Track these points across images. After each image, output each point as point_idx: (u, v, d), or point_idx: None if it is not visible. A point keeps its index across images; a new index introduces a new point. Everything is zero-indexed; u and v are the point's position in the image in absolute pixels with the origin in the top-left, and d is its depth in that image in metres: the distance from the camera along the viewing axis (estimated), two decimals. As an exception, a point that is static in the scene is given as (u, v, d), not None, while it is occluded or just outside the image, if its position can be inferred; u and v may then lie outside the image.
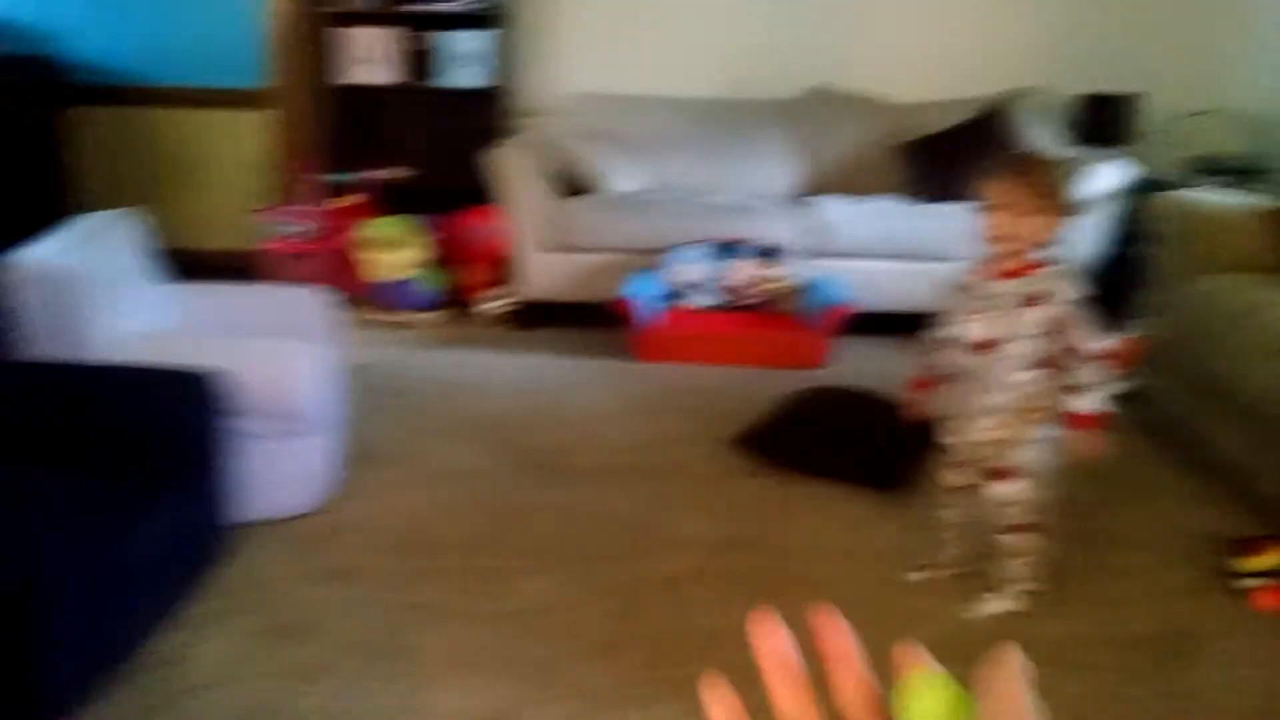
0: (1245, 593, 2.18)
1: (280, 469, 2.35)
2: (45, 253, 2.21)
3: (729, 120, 4.47)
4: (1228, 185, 3.90)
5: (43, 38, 4.74)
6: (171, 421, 1.95)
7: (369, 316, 4.17)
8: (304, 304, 2.84)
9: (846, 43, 4.70)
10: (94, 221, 2.48)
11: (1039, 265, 1.90)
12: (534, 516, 2.50)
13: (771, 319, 3.86)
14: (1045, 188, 1.88)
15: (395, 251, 3.99)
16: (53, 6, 4.74)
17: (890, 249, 3.99)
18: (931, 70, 4.69)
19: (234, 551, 2.20)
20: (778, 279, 3.91)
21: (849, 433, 2.78)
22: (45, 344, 2.17)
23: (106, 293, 2.29)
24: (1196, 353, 2.85)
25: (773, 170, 4.46)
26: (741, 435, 2.87)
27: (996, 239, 1.89)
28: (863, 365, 3.74)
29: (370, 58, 4.60)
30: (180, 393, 1.95)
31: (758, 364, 3.64)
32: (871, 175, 4.43)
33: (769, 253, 3.92)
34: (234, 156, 4.84)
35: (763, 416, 2.94)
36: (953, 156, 4.28)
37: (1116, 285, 3.92)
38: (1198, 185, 3.84)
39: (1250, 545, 2.24)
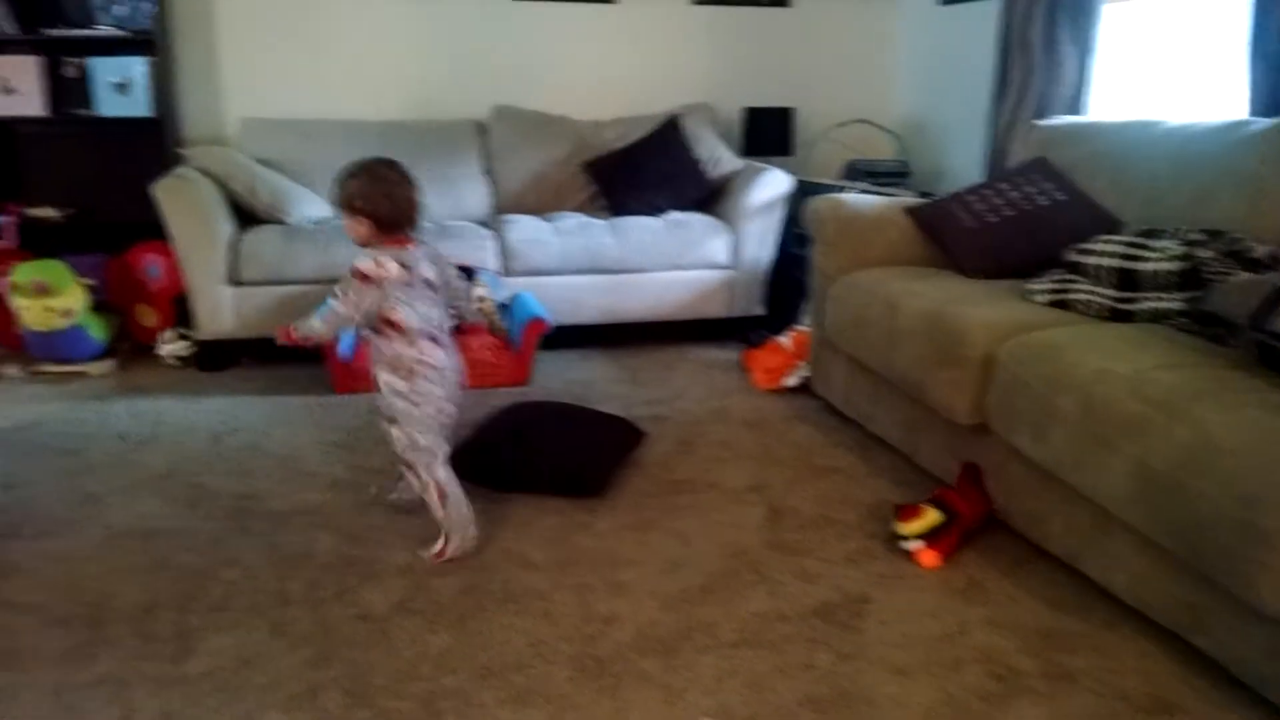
0: (910, 554, 2.41)
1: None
2: None
3: (413, 142, 4.42)
4: (875, 187, 4.32)
5: None
6: None
7: (28, 371, 3.78)
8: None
9: (526, 65, 4.79)
10: None
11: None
12: (223, 568, 2.34)
13: (473, 338, 3.84)
14: (348, 195, 2.33)
15: (51, 298, 3.63)
16: None
17: (581, 264, 4.08)
18: (608, 90, 4.88)
19: None
20: (479, 299, 3.89)
21: (551, 445, 2.82)
22: None
23: None
24: (853, 342, 3.12)
25: (462, 192, 4.46)
26: (450, 457, 2.84)
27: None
28: (564, 379, 3.81)
29: (9, 87, 4.17)
30: None
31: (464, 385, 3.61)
32: (561, 193, 4.53)
33: (465, 273, 3.90)
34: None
35: (465, 438, 2.92)
36: (634, 171, 4.46)
37: (788, 284, 4.25)
38: (849, 188, 4.22)
39: (909, 510, 2.48)
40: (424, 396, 2.41)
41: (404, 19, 4.65)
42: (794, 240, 4.25)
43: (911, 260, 3.29)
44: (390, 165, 2.41)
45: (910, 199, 3.56)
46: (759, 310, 4.34)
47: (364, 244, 2.38)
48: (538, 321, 3.69)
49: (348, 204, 2.35)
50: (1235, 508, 1.73)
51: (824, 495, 2.78)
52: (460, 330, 3.81)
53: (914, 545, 2.41)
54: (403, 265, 2.33)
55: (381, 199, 2.33)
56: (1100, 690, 1.90)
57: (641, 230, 4.18)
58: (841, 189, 4.12)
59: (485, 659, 1.98)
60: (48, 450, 3.06)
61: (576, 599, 2.22)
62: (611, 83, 4.90)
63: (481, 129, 4.63)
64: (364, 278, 2.31)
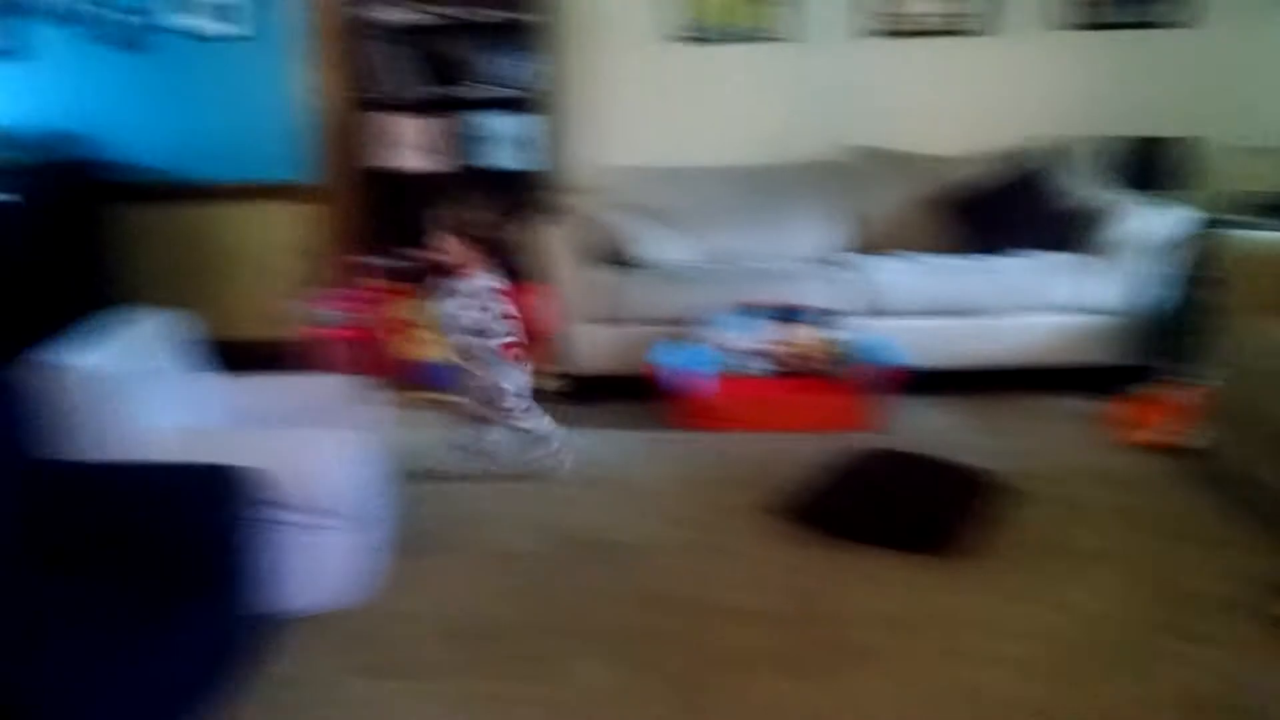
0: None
1: (320, 561, 2.34)
2: (81, 352, 2.25)
3: (769, 185, 4.48)
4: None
5: (86, 141, 4.90)
6: (205, 520, 1.94)
7: (413, 399, 4.19)
8: (343, 391, 2.85)
9: (886, 103, 4.70)
10: (131, 319, 2.53)
11: None
12: (587, 596, 2.45)
13: (822, 383, 3.80)
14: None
15: (435, 332, 4.01)
16: (94, 110, 4.92)
17: (939, 306, 3.92)
18: (973, 125, 4.66)
19: (273, 652, 2.18)
20: (827, 342, 3.85)
21: (897, 496, 2.71)
22: (79, 444, 2.19)
23: (141, 390, 2.32)
24: (1262, 399, 2.73)
25: (816, 232, 4.45)
26: (791, 504, 2.81)
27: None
28: (916, 426, 3.66)
29: (413, 144, 4.69)
30: (213, 490, 1.95)
31: (810, 429, 3.58)
32: (916, 232, 4.39)
33: (817, 316, 3.87)
34: (274, 246, 4.93)
35: (811, 484, 2.88)
36: (999, 208, 4.23)
37: (1176, 330, 3.81)
38: (1258, 225, 3.73)
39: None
40: None
41: (763, 65, 4.72)
42: (1186, 282, 3.81)
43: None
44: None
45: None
46: (1138, 359, 3.92)
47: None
48: (892, 366, 3.57)
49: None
50: None
51: (1220, 571, 2.45)
52: (811, 374, 3.80)
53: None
54: None
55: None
56: None
57: (1006, 270, 3.94)
58: (1250, 226, 3.64)
59: (843, 718, 1.92)
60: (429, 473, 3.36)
61: (939, 663, 2.10)
62: (976, 117, 4.68)
63: (839, 169, 4.59)
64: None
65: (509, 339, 3.23)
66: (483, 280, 3.18)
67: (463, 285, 3.16)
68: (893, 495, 2.71)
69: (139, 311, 2.59)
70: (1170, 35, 4.56)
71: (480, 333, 3.19)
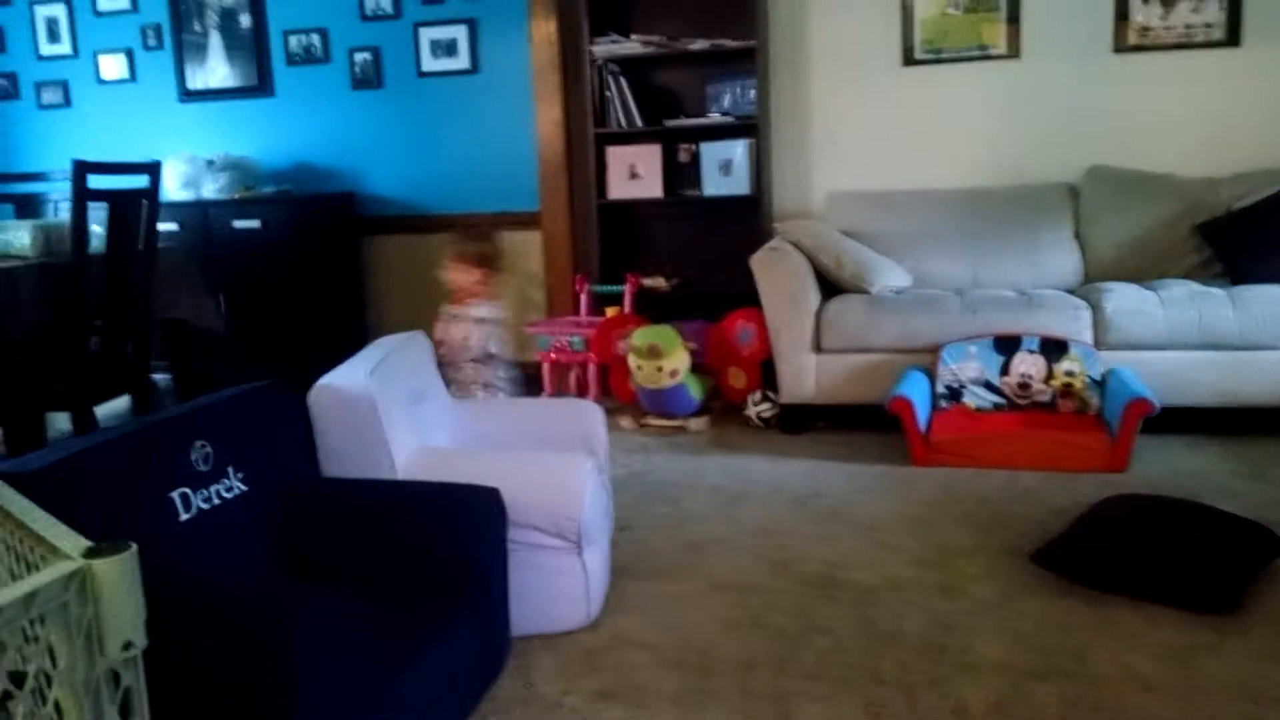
0: None
1: (557, 583, 2.36)
2: (345, 375, 2.37)
3: (996, 209, 4.30)
4: None
5: (346, 176, 5.27)
6: (462, 539, 1.99)
7: (638, 423, 4.22)
8: (582, 415, 2.89)
9: (1123, 121, 4.42)
10: (390, 343, 2.64)
11: None
12: (813, 634, 2.36)
13: (1062, 418, 3.57)
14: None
15: (660, 359, 4.03)
16: (353, 149, 5.27)
17: (1192, 338, 3.61)
18: (1225, 143, 4.31)
19: (511, 671, 2.21)
20: (1067, 374, 3.63)
21: (1167, 545, 2.48)
22: (343, 463, 2.30)
23: (401, 412, 2.41)
24: None
25: (1050, 259, 4.22)
26: (1041, 548, 2.63)
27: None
28: (1166, 467, 3.38)
29: (634, 173, 4.76)
30: (471, 509, 2.00)
31: (1048, 467, 3.36)
32: (1162, 258, 4.08)
33: (1054, 346, 3.65)
34: (513, 274, 5.13)
35: (1062, 527, 2.68)
36: (1261, 232, 3.88)
37: None
38: None
39: None
40: None
41: (989, 84, 4.53)
42: None
43: None
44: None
45: None
46: None
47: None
48: (1140, 401, 3.30)
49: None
50: None
51: None
52: (1048, 408, 3.58)
53: None
54: None
55: None
56: None
57: (1269, 301, 3.59)
58: None
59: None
60: (654, 497, 3.37)
61: (1211, 736, 1.89)
62: (1229, 134, 4.32)
63: (1073, 191, 4.34)
64: None
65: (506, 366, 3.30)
66: (486, 308, 3.24)
67: (470, 311, 3.22)
68: (1159, 544, 2.48)
69: (395, 337, 2.71)
70: None
71: (489, 357, 3.23)
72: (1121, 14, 4.35)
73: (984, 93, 4.55)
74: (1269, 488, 3.16)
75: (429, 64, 5.12)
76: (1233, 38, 4.27)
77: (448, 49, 5.07)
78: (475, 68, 5.07)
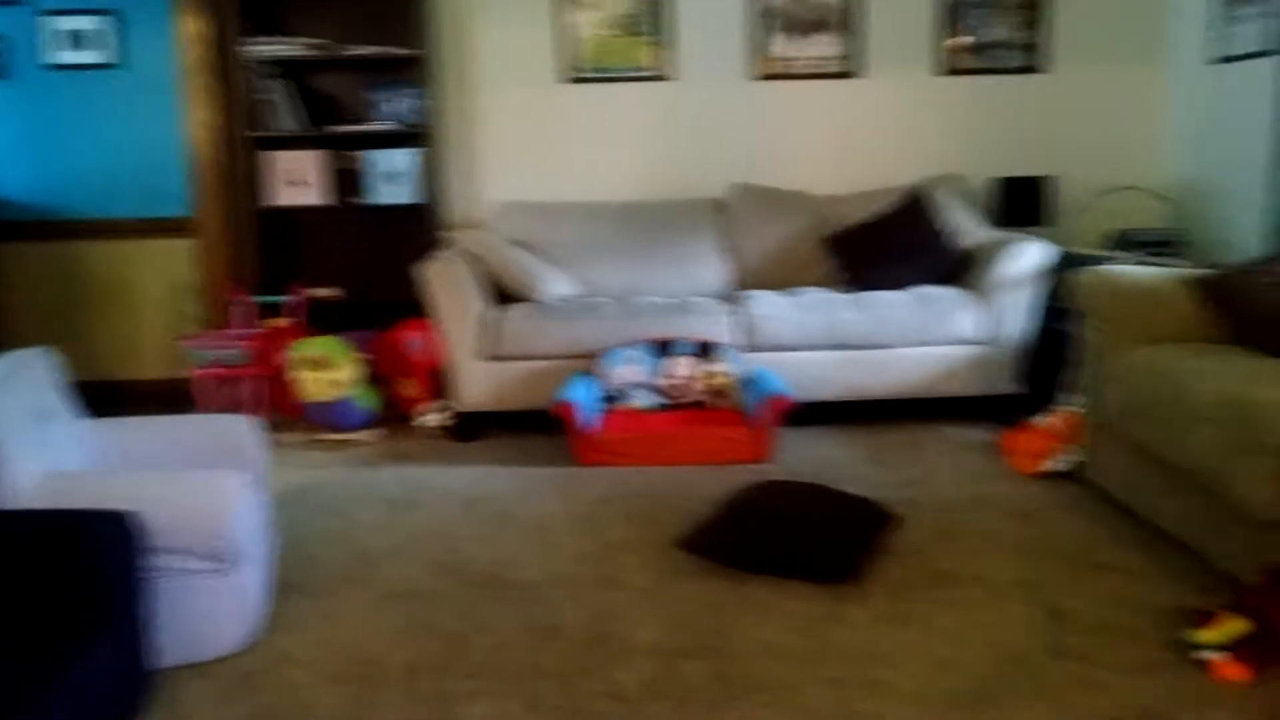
0: (1205, 665, 2.15)
1: (208, 606, 2.23)
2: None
3: (654, 221, 4.54)
4: (1145, 258, 4.02)
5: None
6: (87, 567, 1.84)
7: (305, 438, 4.08)
8: (233, 431, 2.75)
9: (764, 143, 4.83)
10: (11, 360, 2.39)
11: None
12: (481, 634, 2.40)
13: (713, 416, 3.83)
14: None
15: (328, 371, 3.92)
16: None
17: (823, 339, 4.00)
18: (850, 165, 4.84)
19: (160, 701, 2.07)
20: (717, 375, 3.90)
21: (798, 526, 2.74)
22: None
23: (19, 435, 2.19)
24: (1135, 425, 2.87)
25: (701, 268, 4.51)
26: (688, 536, 2.82)
27: None
28: (806, 457, 3.72)
29: (296, 179, 4.60)
30: (95, 535, 1.85)
31: (703, 462, 3.61)
32: (800, 268, 4.49)
33: (706, 349, 3.92)
34: (163, 285, 4.81)
35: (708, 516, 2.89)
36: (878, 244, 4.36)
37: (1049, 361, 3.99)
38: (1119, 259, 3.94)
39: (1206, 617, 2.22)
40: None
41: (643, 105, 4.80)
42: (1054, 315, 4.00)
43: (1198, 336, 3.01)
44: None
45: (1193, 270, 3.28)
46: (1015, 388, 4.09)
47: None
48: (780, 398, 3.63)
49: None
50: None
51: (1105, 596, 2.54)
52: (702, 407, 3.84)
53: (1212, 656, 2.16)
54: None
55: None
56: None
57: (886, 305, 4.06)
58: (1110, 260, 3.85)
59: (740, 750, 1.91)
60: (324, 511, 3.27)
61: (832, 695, 2.11)
62: (853, 157, 4.85)
63: (719, 206, 4.68)
64: None
65: None
66: None
67: None
68: (792, 526, 2.74)
69: (13, 355, 2.45)
70: (1036, 81, 4.81)
71: None
72: (761, 45, 4.76)
73: (641, 112, 4.80)
74: (889, 470, 3.57)
75: (65, 56, 4.67)
76: (857, 70, 4.79)
77: (88, 40, 4.65)
78: (120, 63, 4.69)
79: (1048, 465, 3.43)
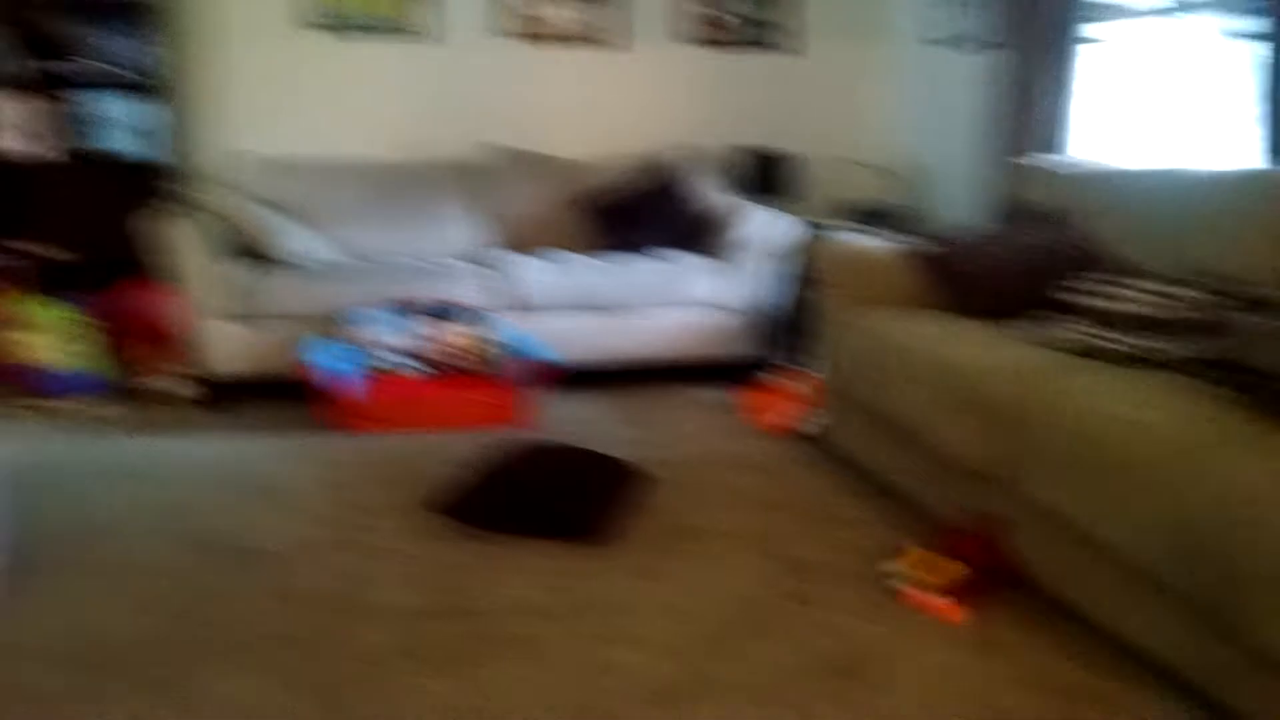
0: (895, 592, 2.40)
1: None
2: None
3: (405, 181, 4.49)
4: (874, 229, 4.34)
5: None
6: None
7: (25, 406, 3.76)
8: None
9: (519, 106, 4.86)
10: None
11: None
12: (226, 607, 2.33)
13: (470, 380, 3.84)
14: None
15: (52, 335, 3.63)
16: None
17: (580, 303, 4.09)
18: (604, 132, 4.94)
19: None
20: (473, 339, 3.89)
21: (547, 487, 2.81)
22: None
23: None
24: (863, 387, 3.11)
25: (457, 230, 4.48)
26: (438, 500, 2.83)
27: None
28: (564, 420, 3.80)
29: (16, 126, 4.20)
30: None
31: (461, 426, 3.61)
32: (558, 232, 4.54)
33: (462, 313, 3.91)
34: None
35: (462, 479, 2.91)
36: (628, 210, 4.48)
37: (792, 326, 4.25)
38: (848, 229, 4.24)
39: (898, 550, 2.49)
40: None
41: (398, 61, 4.69)
42: (798, 282, 4.25)
43: (918, 303, 3.27)
44: None
45: (913, 240, 3.56)
46: (760, 352, 4.33)
47: None
48: (541, 362, 3.68)
49: None
50: (1272, 564, 1.70)
51: (836, 544, 2.75)
52: (461, 371, 3.83)
53: (899, 584, 2.41)
54: None
55: None
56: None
57: (635, 269, 4.17)
58: (842, 230, 4.13)
59: (486, 707, 1.96)
60: (55, 487, 3.04)
61: (579, 646, 2.19)
62: (607, 124, 4.95)
63: (473, 168, 4.64)
64: None
65: None
66: None
67: None
68: (541, 487, 2.80)
69: None
70: (781, 59, 5.06)
71: None
72: (514, 2, 4.74)
73: (394, 68, 4.69)
74: (642, 430, 3.71)
75: None
76: (620, 39, 4.87)
77: None
78: None
79: (791, 425, 3.66)
